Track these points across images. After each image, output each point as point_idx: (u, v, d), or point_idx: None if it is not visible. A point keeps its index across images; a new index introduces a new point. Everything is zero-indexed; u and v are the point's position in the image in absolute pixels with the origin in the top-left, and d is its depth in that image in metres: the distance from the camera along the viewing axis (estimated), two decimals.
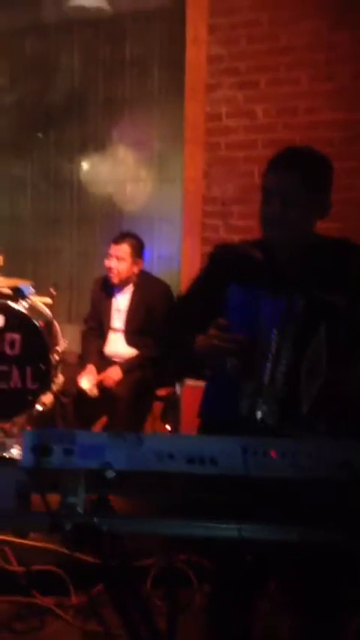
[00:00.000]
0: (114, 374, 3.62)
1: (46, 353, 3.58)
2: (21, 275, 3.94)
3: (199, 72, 3.73)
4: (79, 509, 1.32)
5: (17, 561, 2.65)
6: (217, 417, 1.84)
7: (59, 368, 3.80)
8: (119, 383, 3.60)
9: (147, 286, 3.73)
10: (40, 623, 2.52)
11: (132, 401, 3.56)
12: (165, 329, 2.10)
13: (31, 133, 4.66)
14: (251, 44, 3.57)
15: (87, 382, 3.62)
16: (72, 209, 4.60)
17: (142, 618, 1.51)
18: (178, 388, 2.51)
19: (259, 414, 1.67)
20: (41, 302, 3.86)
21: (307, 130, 3.46)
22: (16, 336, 3.55)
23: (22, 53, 4.63)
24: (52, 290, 3.85)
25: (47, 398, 3.63)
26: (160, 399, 3.67)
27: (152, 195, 4.28)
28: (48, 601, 2.56)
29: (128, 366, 3.65)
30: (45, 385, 3.59)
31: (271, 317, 1.70)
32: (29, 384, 3.55)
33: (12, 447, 3.28)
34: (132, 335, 3.73)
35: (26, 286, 3.86)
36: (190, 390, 3.09)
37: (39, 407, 3.61)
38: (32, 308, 3.74)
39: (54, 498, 1.34)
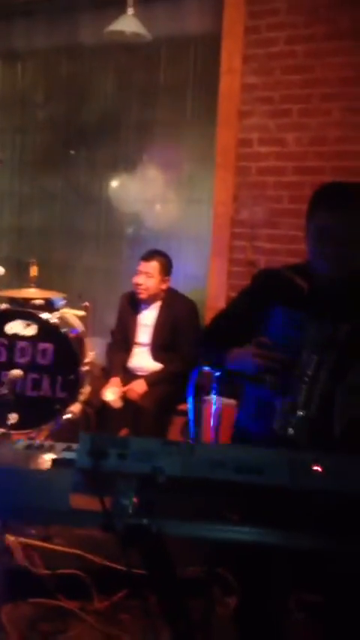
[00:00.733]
0: (138, 387, 3.70)
1: (77, 363, 3.67)
2: (49, 286, 4.04)
3: (233, 99, 3.85)
4: (130, 510, 1.41)
5: (44, 565, 2.73)
6: (250, 431, 1.92)
7: (87, 379, 3.89)
8: (144, 396, 3.68)
9: (174, 303, 3.83)
10: (64, 625, 2.58)
11: (156, 414, 3.63)
12: (202, 345, 2.16)
13: (64, 150, 4.78)
14: (285, 75, 3.70)
15: (111, 394, 3.70)
16: (100, 225, 4.71)
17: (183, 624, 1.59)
18: (190, 404, 2.59)
19: (290, 432, 1.74)
20: (74, 314, 3.95)
21: (336, 159, 3.56)
22: (49, 346, 3.65)
23: (59, 73, 4.76)
24: (86, 303, 3.95)
25: (76, 407, 3.72)
26: (181, 413, 3.75)
27: (181, 215, 4.38)
28: (72, 604, 2.63)
29: (153, 379, 3.73)
30: (73, 395, 3.68)
31: (313, 340, 1.76)
32: (58, 393, 3.64)
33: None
34: (158, 350, 3.82)
35: (58, 298, 3.97)
36: (211, 405, 3.18)
37: (68, 415, 3.69)
38: (63, 319, 3.84)
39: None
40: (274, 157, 3.76)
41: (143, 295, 3.80)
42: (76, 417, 3.72)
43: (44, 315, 3.72)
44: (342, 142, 3.54)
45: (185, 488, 1.44)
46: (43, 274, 3.98)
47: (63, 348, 3.65)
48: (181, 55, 4.30)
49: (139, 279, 3.78)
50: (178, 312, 3.77)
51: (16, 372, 3.55)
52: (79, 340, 3.82)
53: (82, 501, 1.43)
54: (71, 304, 4.04)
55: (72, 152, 4.78)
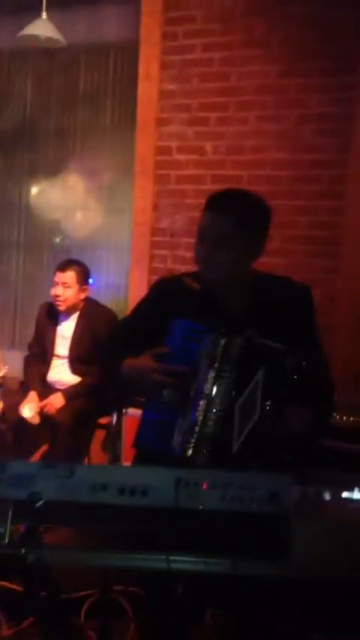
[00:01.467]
0: (56, 401, 3.59)
1: None
2: None
3: (151, 106, 3.81)
4: (6, 540, 1.32)
5: None
6: (151, 448, 1.85)
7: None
8: (61, 410, 3.57)
9: (93, 313, 3.74)
10: None
11: (74, 429, 3.53)
12: (104, 354, 2.10)
13: None
14: (202, 82, 3.67)
15: (29, 410, 3.58)
16: (19, 234, 4.59)
17: None
18: (115, 417, 2.52)
19: (189, 452, 1.67)
20: None
21: (253, 168, 3.56)
22: None
23: None
24: None
25: None
26: (102, 427, 3.66)
27: (101, 224, 4.31)
28: None
29: (71, 393, 3.63)
30: None
31: (209, 355, 1.72)
32: None
33: None
34: (76, 362, 3.71)
35: None
36: (132, 418, 3.10)
37: None
38: None
39: None
40: (192, 165, 3.73)
41: (62, 307, 3.70)
42: None
43: None
44: (258, 151, 3.54)
45: (65, 514, 1.36)
46: None
47: None
48: (100, 62, 4.26)
49: (57, 291, 3.67)
50: (97, 322, 3.68)
51: None
52: None
53: None
54: None
55: None
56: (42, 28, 3.69)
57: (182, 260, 3.79)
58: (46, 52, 4.10)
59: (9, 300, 4.56)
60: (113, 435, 2.56)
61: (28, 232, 4.56)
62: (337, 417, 2.47)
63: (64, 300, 3.67)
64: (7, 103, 4.54)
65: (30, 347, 3.91)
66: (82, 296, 3.71)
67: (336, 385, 2.26)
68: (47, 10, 3.69)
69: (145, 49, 3.80)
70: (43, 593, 1.46)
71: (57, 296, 3.67)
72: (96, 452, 3.68)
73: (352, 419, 2.50)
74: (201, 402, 1.70)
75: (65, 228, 4.43)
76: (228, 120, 3.62)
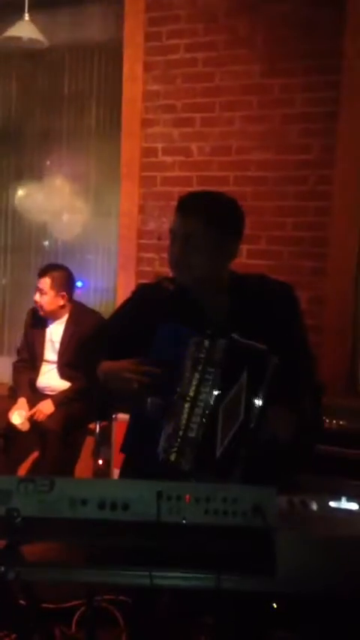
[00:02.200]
0: (45, 408, 3.57)
1: None
2: None
3: (136, 107, 3.77)
4: None
5: None
6: (138, 454, 1.83)
7: None
8: (51, 417, 3.54)
9: (80, 318, 3.71)
10: None
11: (64, 435, 3.50)
12: (84, 358, 2.08)
13: None
14: (187, 83, 3.64)
15: (18, 417, 3.56)
16: (6, 238, 4.55)
17: None
18: (98, 425, 2.49)
19: (173, 457, 1.66)
20: None
21: (239, 169, 3.53)
22: None
23: None
24: None
25: None
26: (93, 433, 3.62)
27: (88, 227, 4.27)
28: None
29: (60, 399, 3.60)
30: None
31: (193, 358, 1.70)
32: None
33: None
34: (65, 367, 3.68)
35: None
36: (122, 423, 3.07)
37: None
38: None
39: None
40: (178, 167, 3.69)
41: (41, 312, 3.69)
42: None
43: None
44: (244, 152, 3.50)
45: (45, 529, 1.33)
46: None
47: None
48: (84, 63, 4.21)
49: (36, 297, 3.67)
50: (84, 326, 3.65)
51: None
52: None
53: None
54: None
55: None
56: (24, 29, 3.67)
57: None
58: (29, 53, 4.06)
59: None
60: (98, 442, 2.53)
61: (15, 236, 4.52)
62: (326, 420, 2.45)
63: (40, 307, 3.66)
64: None
65: (19, 352, 3.88)
66: (61, 302, 3.66)
67: (324, 388, 2.24)
68: (29, 11, 3.66)
69: (129, 50, 3.76)
70: (23, 605, 1.43)
71: (36, 302, 3.67)
72: (87, 458, 3.65)
73: (341, 422, 2.48)
74: (185, 406, 1.68)
75: (52, 232, 4.40)
76: (213, 120, 3.59)
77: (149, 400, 1.73)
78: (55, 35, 3.99)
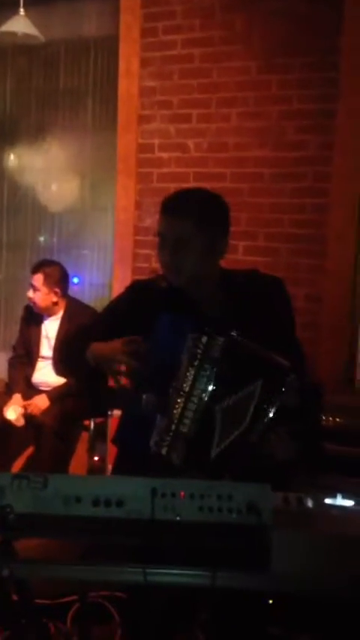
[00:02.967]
0: (40, 402, 3.56)
1: None
2: None
3: (132, 103, 3.76)
4: None
5: None
6: (131, 447, 1.82)
7: None
8: (45, 412, 3.53)
9: (75, 314, 3.69)
10: None
11: (59, 430, 3.49)
12: (71, 349, 2.04)
13: None
14: (183, 79, 3.63)
15: (13, 412, 3.55)
16: (1, 234, 4.54)
17: None
18: (92, 422, 2.48)
19: (164, 451, 1.65)
20: None
21: (236, 165, 3.52)
22: None
23: None
24: None
25: None
26: (88, 429, 3.62)
27: (84, 223, 4.27)
28: None
29: (55, 394, 3.59)
30: None
31: (190, 353, 1.69)
32: None
33: None
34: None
35: None
36: (117, 420, 3.06)
37: None
38: None
39: None
40: (175, 163, 3.69)
41: (35, 309, 3.68)
42: None
43: None
44: (241, 148, 3.50)
45: (39, 526, 1.33)
46: None
47: None
48: (80, 58, 4.20)
49: (29, 293, 3.66)
50: (80, 322, 3.63)
51: None
52: None
53: None
54: None
55: None
56: (20, 24, 3.65)
57: None
58: (24, 49, 4.05)
59: None
60: (93, 438, 2.53)
61: (11, 232, 4.51)
62: (323, 418, 2.45)
63: (34, 303, 3.65)
64: None
65: (14, 348, 3.87)
66: (54, 299, 3.65)
67: (322, 385, 2.23)
68: (25, 6, 3.64)
69: (125, 46, 3.75)
70: (17, 601, 1.43)
71: (29, 298, 3.66)
72: (82, 454, 3.65)
73: (337, 420, 2.47)
74: (179, 400, 1.67)
75: (48, 228, 4.39)
76: (210, 117, 3.58)
77: (144, 397, 1.73)
78: (50, 30, 3.98)
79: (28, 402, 3.56)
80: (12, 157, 4.46)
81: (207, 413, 1.66)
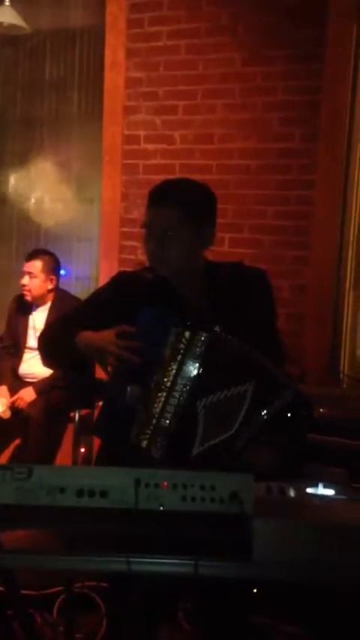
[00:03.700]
0: (27, 395, 3.56)
1: None
2: None
3: (118, 94, 3.76)
4: None
5: None
6: (113, 439, 1.82)
7: None
8: (32, 404, 3.54)
9: (63, 305, 3.69)
10: None
11: (45, 423, 3.50)
12: (52, 336, 2.03)
13: None
14: (169, 70, 3.63)
15: None
16: None
17: None
18: (77, 414, 2.48)
19: (144, 443, 1.66)
20: None
21: (222, 157, 3.53)
22: None
23: None
24: None
25: None
26: (79, 421, 3.62)
27: (71, 215, 4.26)
28: None
29: (42, 386, 3.59)
30: None
31: (172, 348, 1.69)
32: None
33: None
34: None
35: None
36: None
37: None
38: None
39: None
40: (160, 155, 3.69)
41: (28, 297, 3.67)
42: None
43: None
44: (226, 140, 3.50)
45: (23, 517, 1.34)
46: None
47: None
48: (66, 49, 4.19)
49: (24, 280, 3.65)
50: None
51: None
52: None
53: None
54: None
55: None
56: (5, 14, 3.64)
57: None
58: (10, 39, 4.02)
59: None
60: (77, 431, 2.53)
61: None
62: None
63: (29, 290, 3.64)
64: None
65: (1, 340, 3.87)
66: (49, 286, 3.67)
67: (305, 376, 2.25)
68: None
69: (111, 37, 3.74)
70: (2, 592, 1.44)
71: (23, 285, 3.65)
72: (69, 446, 3.65)
73: (321, 410, 2.49)
74: (160, 394, 1.68)
75: (34, 219, 4.38)
76: (195, 108, 3.58)
77: (129, 389, 1.73)
78: (36, 21, 3.96)
79: (15, 396, 3.57)
80: None
81: (188, 408, 1.67)
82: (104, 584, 2.54)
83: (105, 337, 1.75)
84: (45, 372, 3.65)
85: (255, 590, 2.02)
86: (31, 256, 3.66)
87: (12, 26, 3.66)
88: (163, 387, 1.67)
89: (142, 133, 3.73)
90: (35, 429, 3.49)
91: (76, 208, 4.26)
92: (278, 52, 3.34)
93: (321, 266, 3.33)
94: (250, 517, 1.32)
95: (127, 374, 1.74)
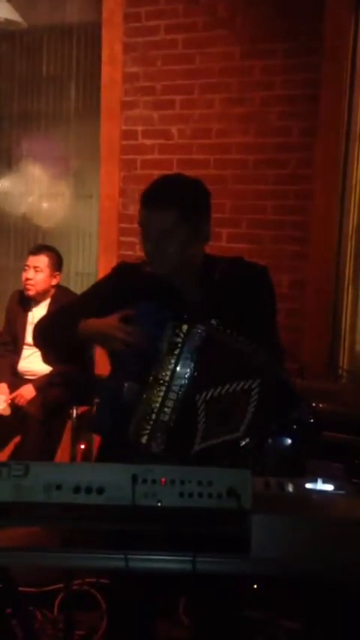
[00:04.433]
0: (26, 392, 3.55)
1: None
2: None
3: (115, 89, 3.74)
4: None
5: None
6: (112, 435, 1.82)
7: None
8: (32, 401, 3.53)
9: (63, 301, 3.68)
10: None
11: (45, 420, 3.49)
12: (53, 325, 2.02)
13: None
14: (166, 65, 3.61)
15: None
16: None
17: None
18: (75, 411, 2.48)
19: (144, 439, 1.66)
20: None
21: (220, 152, 3.51)
22: None
23: None
24: None
25: None
26: (77, 417, 3.61)
27: (69, 211, 4.24)
28: None
29: (41, 383, 3.58)
30: None
31: (169, 342, 1.69)
32: None
33: None
34: None
35: None
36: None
37: None
38: None
39: None
40: (158, 150, 3.67)
41: (31, 292, 3.64)
42: None
43: None
44: (224, 135, 3.49)
45: (20, 514, 1.33)
46: None
47: None
48: (63, 44, 4.17)
49: (28, 274, 3.62)
50: None
51: None
52: None
53: None
54: None
55: None
56: (2, 10, 3.62)
57: None
58: (7, 35, 4.01)
59: None
60: (76, 427, 2.53)
61: None
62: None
63: (34, 285, 3.61)
64: None
65: (0, 336, 3.86)
66: (54, 282, 3.66)
67: (304, 371, 2.24)
68: None
69: (108, 31, 3.72)
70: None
71: (27, 279, 3.61)
72: (69, 442, 3.64)
73: (320, 405, 2.49)
74: (159, 389, 1.68)
75: (32, 215, 4.36)
76: (193, 103, 3.56)
77: (126, 385, 1.72)
78: (33, 16, 3.94)
79: (15, 393, 3.56)
80: None
81: (188, 402, 1.67)
82: (105, 581, 2.54)
83: (109, 322, 1.75)
84: (44, 368, 3.64)
85: (255, 586, 2.02)
86: (37, 251, 3.64)
87: (9, 22, 3.64)
88: (161, 381, 1.67)
89: (139, 128, 3.72)
90: (34, 426, 3.48)
91: (74, 204, 4.24)
92: (276, 46, 3.32)
93: (320, 261, 3.32)
94: (248, 513, 1.31)
95: (125, 369, 1.73)
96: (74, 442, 3.13)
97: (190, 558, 1.30)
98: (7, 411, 3.55)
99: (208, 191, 1.85)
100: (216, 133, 3.51)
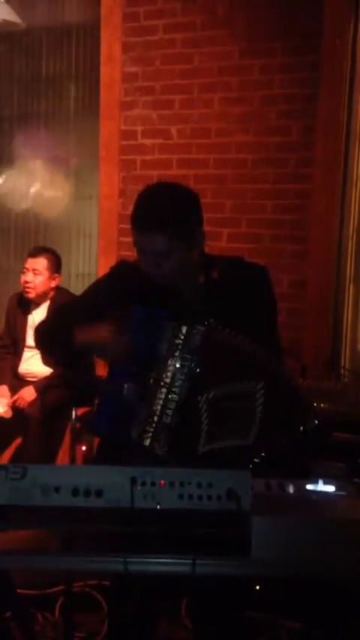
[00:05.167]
0: (27, 395, 3.54)
1: None
2: None
3: (114, 90, 3.73)
4: None
5: None
6: (112, 437, 1.81)
7: None
8: (32, 403, 3.52)
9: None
10: None
11: (46, 422, 3.49)
12: (53, 326, 2.02)
13: None
14: (165, 64, 3.60)
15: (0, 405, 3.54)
16: None
17: None
18: (74, 413, 2.47)
19: (147, 441, 1.65)
20: None
21: (219, 151, 3.50)
22: None
23: None
24: None
25: None
26: (78, 419, 3.60)
27: (68, 212, 4.24)
28: None
29: (42, 385, 3.57)
30: None
31: (169, 343, 1.68)
32: None
33: None
34: None
35: None
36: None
37: None
38: None
39: None
40: (158, 150, 3.66)
41: (31, 294, 3.63)
42: None
43: None
44: (224, 134, 3.47)
45: (18, 517, 1.32)
46: None
47: None
48: (62, 44, 4.16)
49: (27, 277, 3.61)
50: None
51: None
52: None
53: None
54: None
55: None
56: (0, 11, 3.60)
57: None
58: (5, 35, 4.00)
59: None
60: (76, 428, 2.52)
61: None
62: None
63: (33, 287, 3.61)
64: None
65: (0, 338, 3.85)
66: (53, 284, 3.65)
67: (305, 371, 2.22)
68: None
69: (106, 31, 3.71)
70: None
71: (27, 282, 3.60)
72: (66, 446, 3.64)
73: (322, 405, 2.47)
74: (160, 391, 1.67)
75: (32, 216, 4.35)
76: (192, 102, 3.55)
77: (126, 386, 1.71)
78: (31, 17, 3.93)
79: (16, 396, 3.55)
80: None
81: (190, 403, 1.65)
82: (106, 583, 2.53)
83: (103, 336, 1.74)
84: (45, 370, 3.64)
85: (257, 588, 2.01)
86: (36, 253, 3.63)
87: (7, 23, 3.63)
88: (162, 383, 1.66)
89: (139, 128, 3.71)
90: (35, 428, 3.47)
91: (74, 205, 4.23)
92: (275, 45, 3.31)
93: (320, 260, 3.31)
94: (248, 514, 1.30)
95: (124, 371, 1.72)
96: (75, 444, 3.12)
97: (190, 561, 1.29)
98: (9, 414, 3.55)
99: (196, 197, 1.80)
100: (215, 133, 3.50)
